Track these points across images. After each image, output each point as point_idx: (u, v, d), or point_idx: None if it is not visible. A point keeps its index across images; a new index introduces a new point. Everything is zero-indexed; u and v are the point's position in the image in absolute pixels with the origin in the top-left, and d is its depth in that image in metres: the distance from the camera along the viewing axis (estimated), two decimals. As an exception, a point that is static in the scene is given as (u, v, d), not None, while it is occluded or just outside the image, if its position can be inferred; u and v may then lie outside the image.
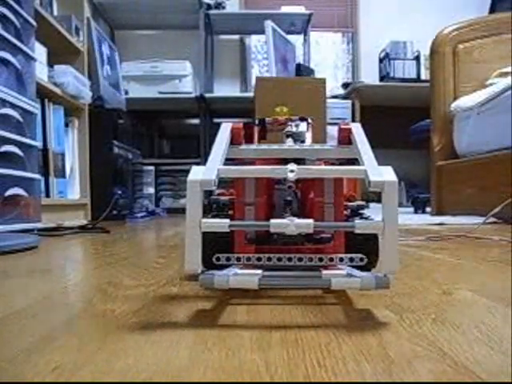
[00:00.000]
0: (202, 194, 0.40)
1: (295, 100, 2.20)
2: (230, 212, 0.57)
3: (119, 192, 2.15)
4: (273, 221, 0.40)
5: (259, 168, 0.48)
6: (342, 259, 0.48)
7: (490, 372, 0.26)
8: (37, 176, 1.30)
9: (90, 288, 0.53)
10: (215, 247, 0.51)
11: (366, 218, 0.55)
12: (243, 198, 0.53)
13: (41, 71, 1.61)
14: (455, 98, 2.13)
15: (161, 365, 0.28)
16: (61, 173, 1.81)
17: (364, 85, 3.15)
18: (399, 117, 3.32)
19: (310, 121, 0.61)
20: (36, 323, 0.38)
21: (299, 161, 0.51)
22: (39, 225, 1.30)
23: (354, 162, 0.52)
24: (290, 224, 0.39)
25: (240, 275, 0.42)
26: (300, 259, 0.48)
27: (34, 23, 1.33)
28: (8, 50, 1.17)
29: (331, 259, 0.48)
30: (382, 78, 3.36)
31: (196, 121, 3.25)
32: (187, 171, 0.41)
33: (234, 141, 0.53)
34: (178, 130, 3.55)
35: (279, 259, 0.48)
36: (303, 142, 0.58)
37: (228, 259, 0.47)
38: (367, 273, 0.43)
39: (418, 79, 3.25)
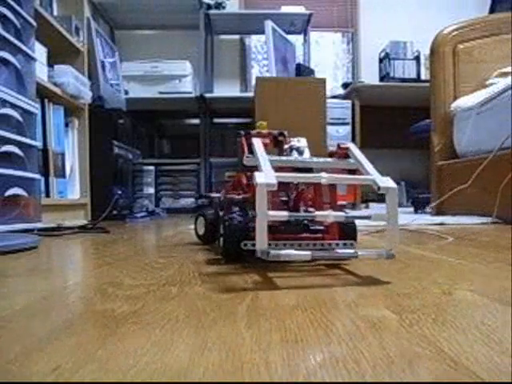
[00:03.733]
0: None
1: (295, 100, 2.20)
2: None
3: (119, 192, 2.15)
4: (317, 212, 0.58)
5: (302, 175, 0.63)
6: (337, 244, 0.65)
7: (490, 372, 0.26)
8: (37, 176, 1.30)
9: (90, 288, 0.53)
10: (237, 237, 0.66)
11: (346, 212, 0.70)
12: None
13: (41, 71, 1.61)
14: (455, 98, 2.13)
15: (161, 365, 0.28)
16: (61, 173, 1.81)
17: (364, 85, 3.15)
18: (399, 117, 3.33)
19: (286, 134, 0.76)
20: (36, 323, 0.38)
21: (308, 170, 0.66)
22: (39, 225, 1.30)
23: (350, 171, 0.68)
24: (329, 215, 0.57)
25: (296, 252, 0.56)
26: (307, 244, 0.63)
27: (34, 23, 1.33)
28: (8, 49, 1.17)
29: (330, 244, 0.64)
30: (382, 78, 3.36)
31: (196, 121, 3.25)
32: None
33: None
34: (178, 129, 3.55)
35: (291, 244, 0.62)
36: (302, 154, 0.71)
37: (253, 245, 0.58)
38: (378, 249, 0.58)
39: (418, 79, 3.25)
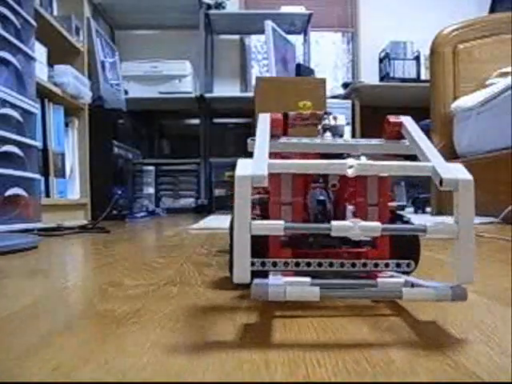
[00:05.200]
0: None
1: (295, 100, 2.20)
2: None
3: (119, 192, 2.15)
4: (334, 223, 0.35)
5: (313, 163, 0.39)
6: (387, 265, 0.45)
7: (490, 372, 0.26)
8: (37, 176, 1.30)
9: (90, 288, 0.53)
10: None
11: (407, 222, 0.51)
12: (279, 197, 0.47)
13: (41, 71, 1.61)
14: (455, 98, 2.13)
15: (161, 365, 0.28)
16: (61, 173, 1.81)
17: (364, 85, 3.15)
18: (399, 117, 3.32)
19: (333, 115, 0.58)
20: (36, 323, 0.38)
21: (341, 156, 0.48)
22: (39, 225, 1.30)
23: (405, 158, 0.49)
24: (353, 227, 0.34)
25: (296, 285, 0.35)
26: (342, 264, 0.44)
27: (34, 23, 1.33)
28: (8, 49, 1.17)
29: (376, 265, 0.45)
30: (382, 78, 3.36)
31: (196, 121, 3.25)
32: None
33: (271, 133, 0.48)
34: (178, 129, 3.55)
35: (319, 264, 0.44)
36: (341, 136, 0.53)
37: (263, 264, 0.42)
38: (439, 283, 0.37)
39: (417, 79, 3.24)
